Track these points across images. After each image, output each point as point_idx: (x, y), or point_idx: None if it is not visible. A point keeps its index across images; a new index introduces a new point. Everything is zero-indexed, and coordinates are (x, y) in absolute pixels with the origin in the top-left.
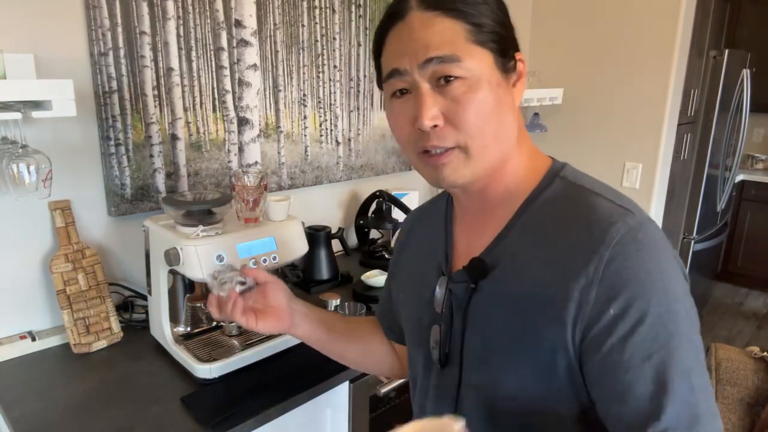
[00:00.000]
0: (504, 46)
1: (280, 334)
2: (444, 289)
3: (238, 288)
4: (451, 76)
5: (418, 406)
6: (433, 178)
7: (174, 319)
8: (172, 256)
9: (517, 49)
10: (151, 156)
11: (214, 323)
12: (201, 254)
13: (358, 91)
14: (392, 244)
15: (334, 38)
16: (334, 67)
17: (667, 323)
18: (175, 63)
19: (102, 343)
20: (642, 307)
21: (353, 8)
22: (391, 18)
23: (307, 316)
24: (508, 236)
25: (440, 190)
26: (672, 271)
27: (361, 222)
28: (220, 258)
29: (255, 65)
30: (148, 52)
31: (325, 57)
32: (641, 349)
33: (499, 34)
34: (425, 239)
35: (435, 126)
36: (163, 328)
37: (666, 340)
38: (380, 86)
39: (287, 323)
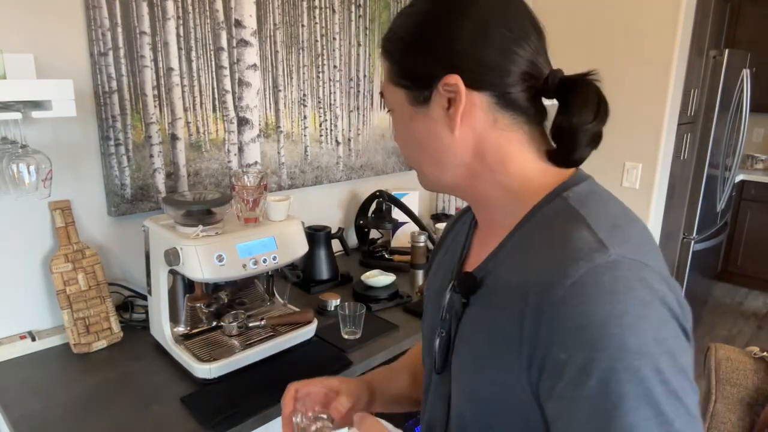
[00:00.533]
0: (413, 83)
1: (283, 333)
2: (449, 296)
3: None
4: (389, 108)
5: (423, 408)
6: None
7: (174, 319)
8: (172, 256)
9: (440, 76)
10: (151, 156)
11: (214, 323)
12: (201, 254)
13: (358, 91)
14: (392, 244)
15: (334, 38)
16: (334, 67)
17: (623, 381)
18: (175, 63)
19: (102, 343)
20: (593, 357)
21: (353, 8)
22: None
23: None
24: (499, 255)
25: None
26: (642, 324)
27: (361, 222)
28: (219, 258)
29: (255, 65)
30: (148, 52)
31: (325, 57)
32: (586, 404)
33: (408, 74)
34: (453, 242)
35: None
36: (163, 328)
37: (616, 401)
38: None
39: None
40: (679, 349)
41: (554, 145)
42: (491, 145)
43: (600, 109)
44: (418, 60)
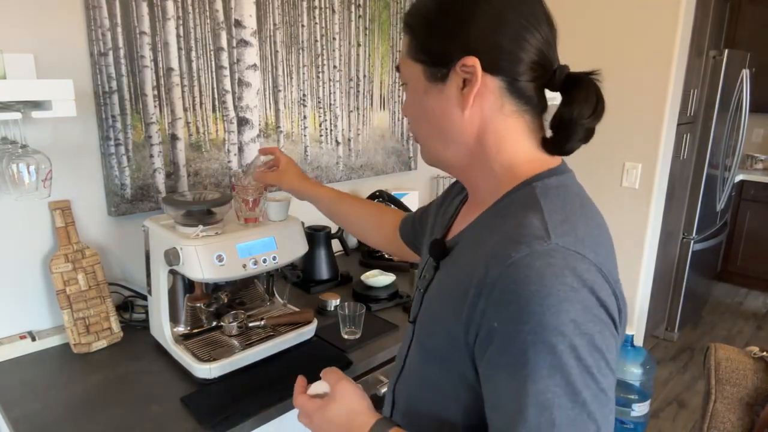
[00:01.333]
0: (432, 59)
1: (283, 333)
2: (427, 258)
3: (261, 161)
4: (403, 82)
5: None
6: None
7: (174, 319)
8: (172, 256)
9: (456, 57)
10: (151, 156)
11: (214, 323)
12: (201, 254)
13: (358, 91)
14: None
15: (334, 38)
16: (334, 67)
17: (540, 353)
18: (174, 63)
19: (102, 343)
20: (517, 329)
21: (353, 8)
22: None
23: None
24: (468, 228)
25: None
26: (564, 306)
27: None
28: (219, 258)
29: (255, 65)
30: (147, 52)
31: (324, 57)
32: (508, 367)
33: (427, 49)
34: (441, 213)
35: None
36: (163, 328)
37: (532, 369)
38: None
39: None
40: (599, 333)
41: (550, 135)
42: (493, 129)
43: (597, 107)
44: (439, 39)
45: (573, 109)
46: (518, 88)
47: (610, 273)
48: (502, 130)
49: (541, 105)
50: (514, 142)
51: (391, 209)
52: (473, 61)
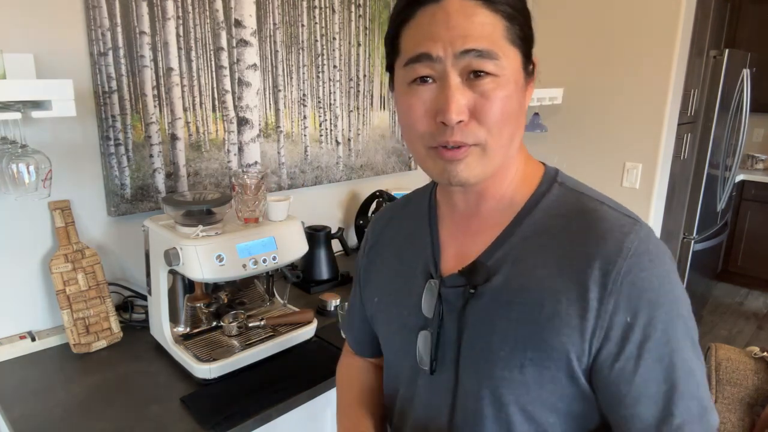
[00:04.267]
0: (529, 47)
1: (283, 333)
2: (435, 293)
3: None
4: (483, 72)
5: (399, 414)
6: (443, 173)
7: (174, 319)
8: (171, 256)
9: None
10: (151, 156)
11: (214, 323)
12: (201, 254)
13: (358, 91)
14: None
15: (334, 38)
16: (334, 67)
17: (677, 327)
18: (174, 63)
19: (102, 343)
20: (655, 314)
21: (353, 8)
22: None
23: None
24: (509, 241)
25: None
26: (675, 277)
27: (361, 222)
28: (219, 258)
29: (255, 65)
30: (147, 52)
31: (324, 57)
32: (654, 352)
33: (527, 34)
34: (405, 239)
35: (460, 121)
36: (163, 328)
37: (675, 343)
38: (390, 69)
39: None
40: (685, 293)
41: None
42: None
43: None
44: (531, 27)
45: None
46: None
47: None
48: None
49: None
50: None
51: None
52: (536, 59)
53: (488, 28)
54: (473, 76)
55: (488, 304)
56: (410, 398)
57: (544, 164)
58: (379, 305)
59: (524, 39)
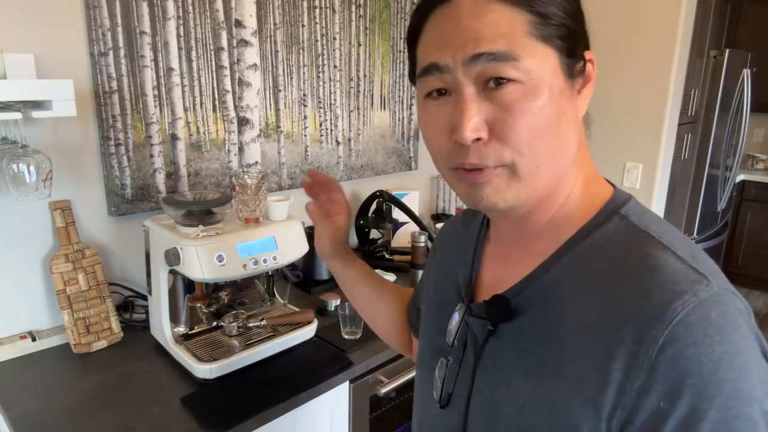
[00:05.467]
0: (573, 43)
1: (283, 333)
2: (461, 319)
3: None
4: (503, 78)
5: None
6: (469, 197)
7: (174, 319)
8: (172, 256)
9: (587, 46)
10: (151, 156)
11: (214, 323)
12: (201, 254)
13: (358, 91)
14: (392, 244)
15: (334, 38)
16: (334, 67)
17: (734, 430)
18: (175, 63)
19: (102, 343)
20: (700, 407)
21: (353, 8)
22: None
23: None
24: (543, 278)
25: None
26: (750, 364)
27: (361, 222)
28: (220, 258)
29: (255, 65)
30: (148, 52)
31: (325, 57)
32: None
33: (569, 28)
34: (455, 253)
35: (478, 139)
36: (163, 328)
37: None
38: (413, 81)
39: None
40: None
41: None
42: (582, 142)
43: None
44: (580, 18)
45: None
46: None
47: None
48: (582, 136)
49: None
50: (586, 156)
51: (396, 295)
52: (592, 55)
53: (505, 26)
54: (493, 84)
55: (506, 347)
56: (425, 427)
57: (615, 188)
58: (422, 314)
59: (565, 35)
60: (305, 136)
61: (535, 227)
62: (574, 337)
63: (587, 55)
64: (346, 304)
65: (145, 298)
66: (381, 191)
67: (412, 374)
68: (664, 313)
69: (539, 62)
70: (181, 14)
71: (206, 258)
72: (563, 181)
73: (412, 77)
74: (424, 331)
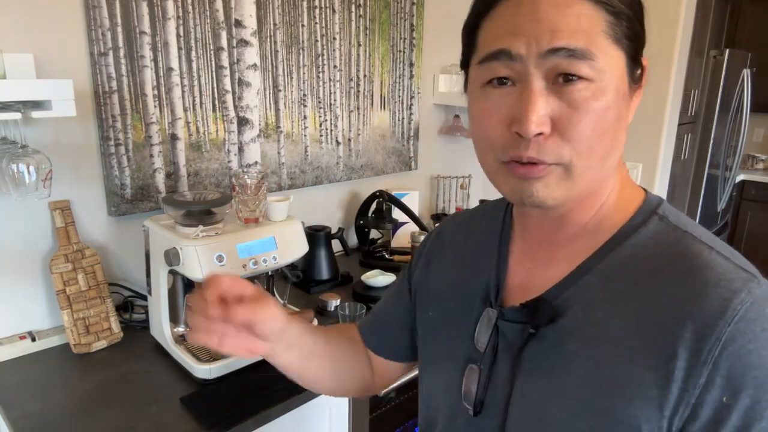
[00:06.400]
0: (638, 47)
1: None
2: (492, 324)
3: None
4: (575, 75)
5: None
6: (516, 192)
7: (174, 319)
8: (172, 256)
9: (641, 53)
10: (151, 156)
11: None
12: (201, 254)
13: (358, 91)
14: (392, 244)
15: (334, 38)
16: (334, 67)
17: None
18: (175, 63)
19: (102, 344)
20: (764, 399)
21: (353, 8)
22: None
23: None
24: (584, 279)
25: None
26: None
27: (361, 222)
28: (219, 258)
29: (255, 65)
30: (147, 52)
31: (325, 57)
32: None
33: (637, 32)
34: (471, 254)
35: (540, 134)
36: (163, 328)
37: None
38: (465, 66)
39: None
40: None
41: None
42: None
43: None
44: (643, 23)
45: None
46: None
47: None
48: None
49: None
50: (621, 159)
51: (338, 338)
52: (646, 61)
53: (585, 22)
54: (562, 80)
55: (549, 350)
56: None
57: (645, 191)
58: (432, 321)
59: (632, 37)
60: (305, 136)
61: (572, 228)
62: (627, 337)
63: (644, 60)
64: (347, 304)
65: (144, 298)
66: (381, 191)
67: (412, 374)
68: (725, 311)
69: (611, 63)
70: (180, 14)
71: (206, 258)
72: (605, 184)
73: (466, 62)
74: (437, 338)
